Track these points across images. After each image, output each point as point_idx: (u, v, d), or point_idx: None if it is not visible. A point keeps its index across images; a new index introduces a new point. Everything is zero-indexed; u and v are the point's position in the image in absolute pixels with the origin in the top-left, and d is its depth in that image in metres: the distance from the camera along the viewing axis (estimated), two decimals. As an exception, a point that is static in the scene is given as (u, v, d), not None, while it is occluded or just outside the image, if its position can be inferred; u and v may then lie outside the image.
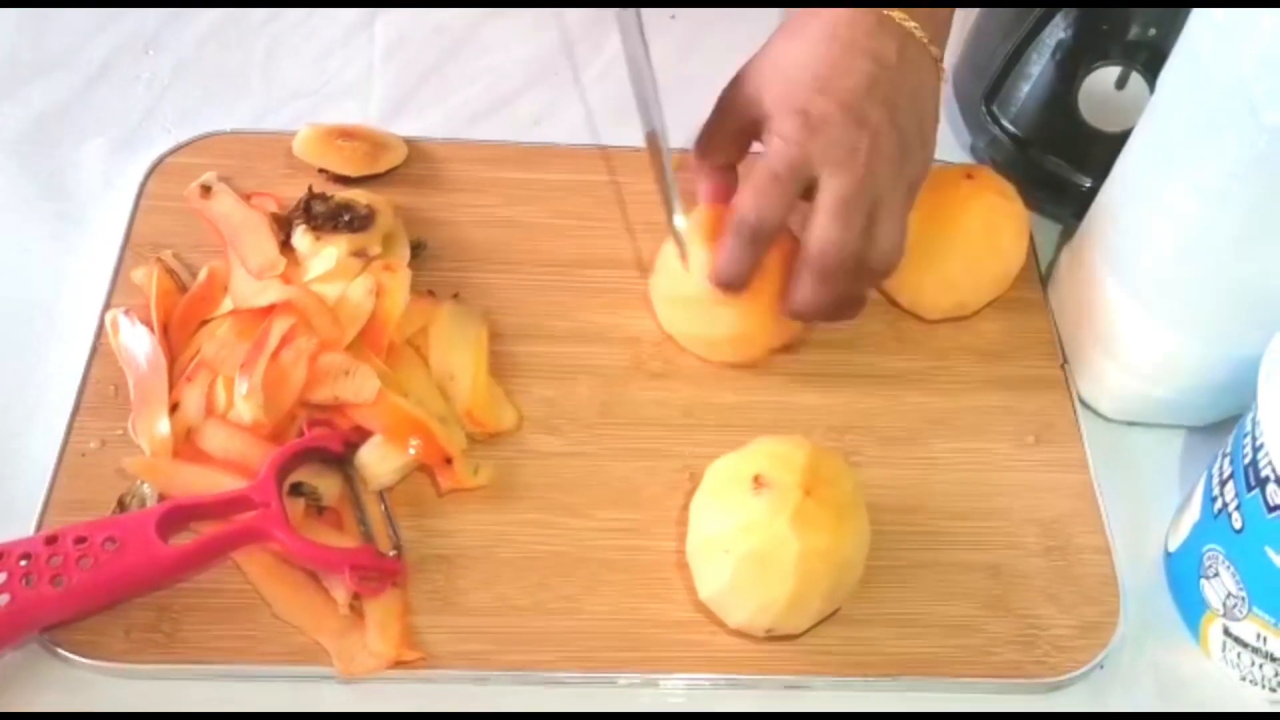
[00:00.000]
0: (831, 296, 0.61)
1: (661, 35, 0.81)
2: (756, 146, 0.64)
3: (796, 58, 0.61)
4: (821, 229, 0.59)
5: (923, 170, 0.62)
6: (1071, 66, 0.68)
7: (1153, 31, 0.66)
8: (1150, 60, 0.66)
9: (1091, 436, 0.66)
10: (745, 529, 0.55)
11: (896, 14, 0.60)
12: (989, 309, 0.70)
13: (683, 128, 0.67)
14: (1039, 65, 0.73)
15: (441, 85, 0.80)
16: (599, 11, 0.84)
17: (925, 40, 0.61)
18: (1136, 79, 0.66)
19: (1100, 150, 0.67)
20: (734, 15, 0.84)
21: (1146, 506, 0.64)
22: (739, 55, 0.65)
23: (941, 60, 0.63)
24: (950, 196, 0.66)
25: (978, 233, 0.66)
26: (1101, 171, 0.66)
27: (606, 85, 0.81)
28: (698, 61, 0.81)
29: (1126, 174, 0.63)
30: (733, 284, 0.61)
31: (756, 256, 0.61)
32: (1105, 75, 0.67)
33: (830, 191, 0.59)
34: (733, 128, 0.64)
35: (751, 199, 0.60)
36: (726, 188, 0.66)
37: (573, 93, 0.81)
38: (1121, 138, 0.64)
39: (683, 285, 0.64)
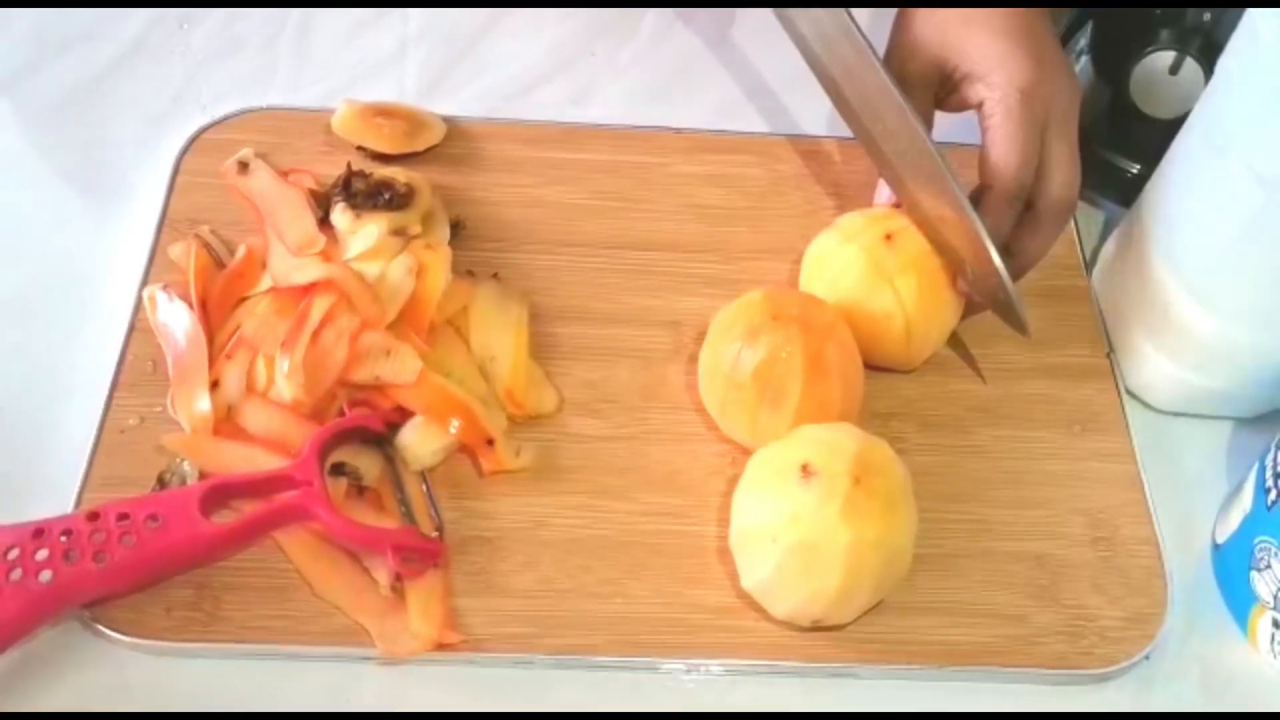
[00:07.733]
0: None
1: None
2: None
3: (983, 19, 0.63)
4: (1069, 173, 0.62)
5: None
6: (1123, 52, 0.67)
7: (1207, 17, 0.65)
8: (1204, 46, 0.65)
9: (1137, 426, 0.65)
10: (793, 519, 0.54)
11: None
12: (1032, 297, 0.68)
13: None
14: (1089, 51, 0.72)
15: (477, 63, 0.79)
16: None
17: None
18: (1190, 64, 0.65)
19: (1150, 136, 0.67)
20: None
21: (1193, 498, 0.64)
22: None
23: None
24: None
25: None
26: (1150, 158, 0.65)
27: (644, 65, 0.80)
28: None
29: (1181, 160, 0.62)
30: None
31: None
32: (1158, 61, 0.66)
33: (1066, 140, 0.62)
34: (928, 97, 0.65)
35: (1019, 156, 0.60)
36: None
37: (610, 72, 0.80)
38: (1172, 124, 0.63)
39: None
